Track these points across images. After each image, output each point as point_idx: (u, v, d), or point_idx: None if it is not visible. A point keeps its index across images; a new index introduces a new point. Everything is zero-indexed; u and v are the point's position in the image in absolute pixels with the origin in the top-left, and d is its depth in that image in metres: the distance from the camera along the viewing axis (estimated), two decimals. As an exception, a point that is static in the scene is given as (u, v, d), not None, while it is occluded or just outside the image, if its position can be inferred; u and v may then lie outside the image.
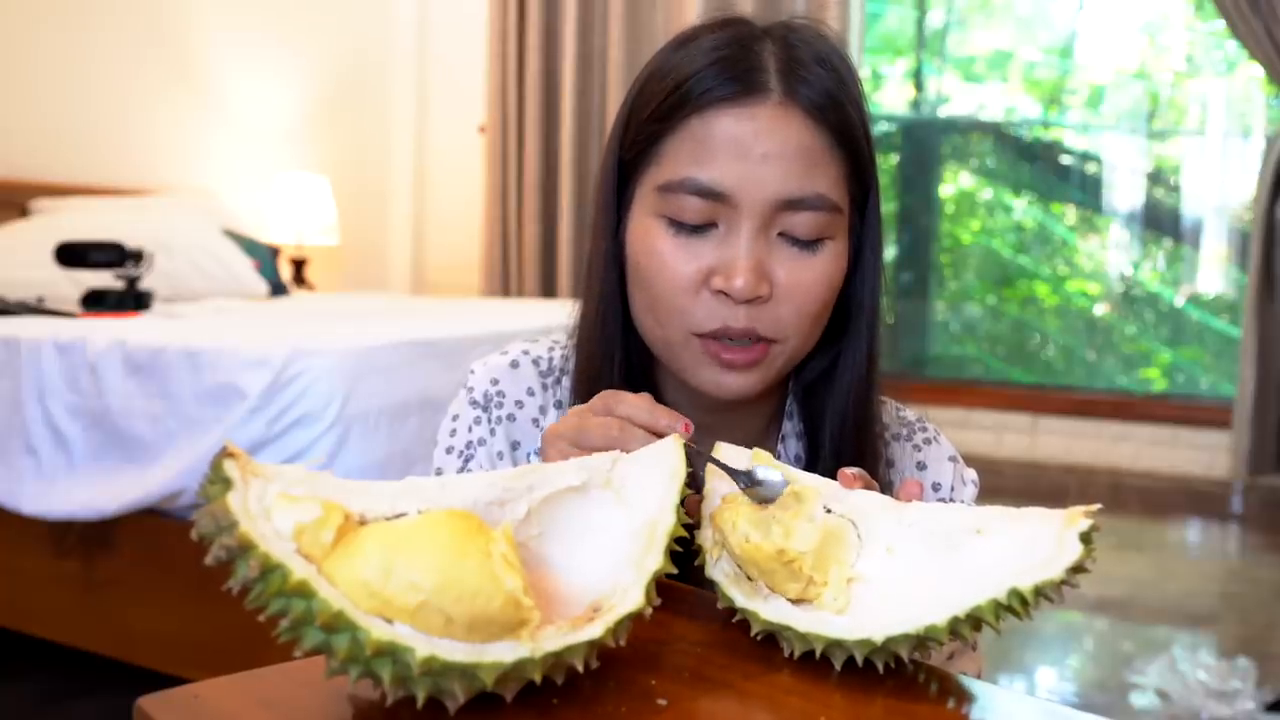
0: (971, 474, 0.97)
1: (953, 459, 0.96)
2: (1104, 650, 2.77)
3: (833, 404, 0.88)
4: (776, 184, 0.79)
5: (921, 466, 0.94)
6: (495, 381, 0.94)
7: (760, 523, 0.61)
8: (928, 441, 0.96)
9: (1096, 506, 0.56)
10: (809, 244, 0.81)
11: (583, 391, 0.88)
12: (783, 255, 0.81)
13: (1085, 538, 0.55)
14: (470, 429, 0.93)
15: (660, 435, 0.69)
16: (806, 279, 0.81)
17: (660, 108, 0.82)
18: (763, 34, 0.83)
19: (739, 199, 0.79)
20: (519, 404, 0.93)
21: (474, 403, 0.94)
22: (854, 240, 0.86)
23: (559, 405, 0.94)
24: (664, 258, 0.81)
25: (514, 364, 0.95)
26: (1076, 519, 0.56)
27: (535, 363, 0.95)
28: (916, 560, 0.60)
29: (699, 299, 0.80)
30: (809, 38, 0.83)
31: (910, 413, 0.98)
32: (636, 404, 0.72)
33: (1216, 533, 4.09)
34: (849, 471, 0.67)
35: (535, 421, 0.93)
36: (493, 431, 0.92)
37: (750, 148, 0.79)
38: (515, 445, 0.93)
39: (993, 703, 0.56)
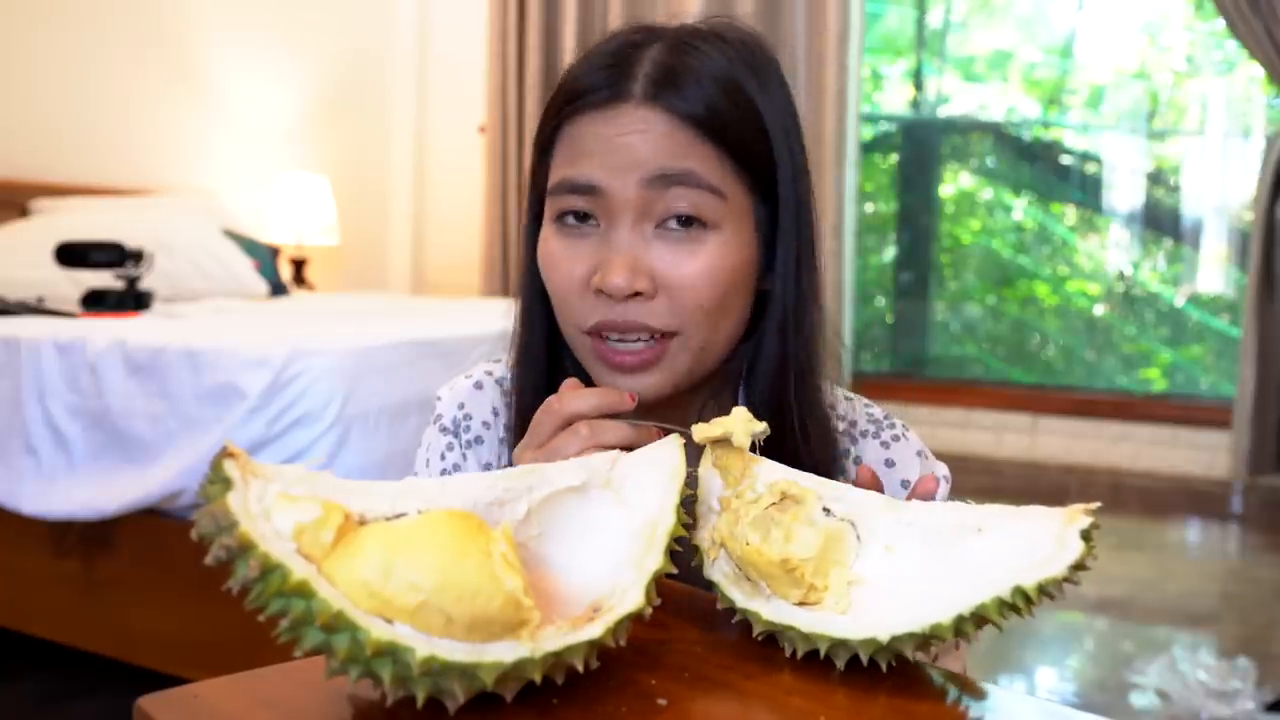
0: (943, 469, 0.96)
1: (920, 454, 0.96)
2: (1104, 650, 2.77)
3: (754, 394, 0.88)
4: (641, 166, 0.79)
5: (890, 464, 0.94)
6: (462, 406, 0.95)
7: (759, 524, 0.61)
8: (895, 438, 0.96)
9: (1096, 505, 0.57)
10: (689, 235, 0.81)
11: (523, 404, 0.90)
12: (662, 249, 0.81)
13: (1086, 535, 0.55)
14: (443, 456, 0.95)
15: (619, 415, 0.74)
16: (687, 271, 0.80)
17: (549, 116, 0.85)
18: (654, 40, 0.84)
19: (609, 190, 0.80)
20: (485, 425, 0.95)
21: (444, 429, 0.95)
22: (764, 236, 0.85)
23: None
24: (556, 260, 0.83)
25: (478, 385, 0.96)
26: (1077, 516, 0.56)
27: (499, 383, 0.97)
28: (917, 559, 0.60)
29: (585, 298, 0.82)
30: (707, 42, 0.83)
31: (879, 410, 0.98)
32: (579, 399, 0.74)
33: (1216, 533, 4.09)
34: (867, 470, 0.68)
35: (502, 440, 0.94)
36: (464, 457, 0.94)
37: (613, 141, 0.80)
38: (487, 467, 0.94)
39: (993, 703, 0.56)
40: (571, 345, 0.86)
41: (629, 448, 0.72)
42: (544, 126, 0.86)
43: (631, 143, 0.80)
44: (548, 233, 0.85)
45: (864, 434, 0.95)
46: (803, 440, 0.86)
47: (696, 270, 0.80)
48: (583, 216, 0.82)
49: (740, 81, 0.82)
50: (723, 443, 0.68)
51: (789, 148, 0.85)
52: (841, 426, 0.94)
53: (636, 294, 0.80)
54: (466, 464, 0.93)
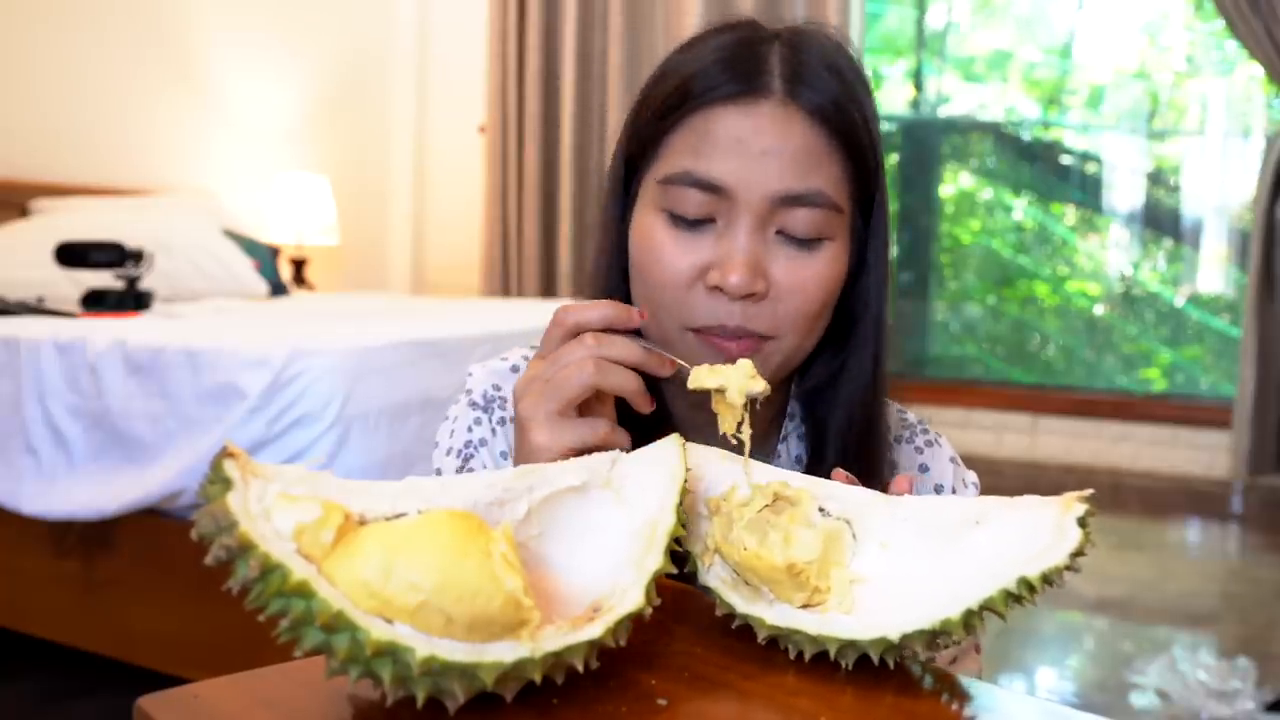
0: (972, 476, 0.96)
1: (953, 461, 0.96)
2: (1104, 650, 2.77)
3: (838, 411, 0.87)
4: (775, 180, 0.79)
5: (924, 469, 0.94)
6: (497, 387, 0.93)
7: (755, 527, 0.61)
8: (929, 444, 0.96)
9: (1089, 491, 0.57)
10: (807, 243, 0.81)
11: None
12: (780, 254, 0.80)
13: (1082, 522, 0.55)
14: (470, 429, 0.92)
15: (636, 368, 0.72)
16: (803, 278, 0.80)
17: (665, 105, 0.82)
18: (771, 37, 0.83)
19: (737, 193, 0.79)
20: None
21: (474, 404, 0.93)
22: (856, 244, 0.86)
23: None
24: (661, 251, 0.81)
25: (514, 369, 0.95)
26: (1072, 504, 0.56)
27: None
28: (915, 554, 0.60)
29: (694, 294, 0.80)
30: (818, 42, 0.83)
31: (912, 415, 0.97)
32: (587, 310, 0.73)
33: (1216, 533, 4.09)
34: (841, 474, 0.67)
35: None
36: (494, 432, 0.92)
37: (750, 143, 0.79)
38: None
39: (993, 703, 0.56)
40: (660, 337, 0.83)
41: (635, 368, 0.73)
42: (661, 110, 0.83)
43: (766, 148, 0.79)
44: (653, 221, 0.82)
45: (898, 439, 0.95)
46: (883, 454, 0.88)
47: (810, 278, 0.80)
48: (699, 220, 0.81)
49: (854, 82, 0.83)
50: (718, 394, 0.70)
51: (880, 160, 0.85)
52: None
53: (750, 295, 0.79)
54: (494, 440, 0.91)
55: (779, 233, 0.80)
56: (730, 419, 0.70)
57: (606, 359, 0.72)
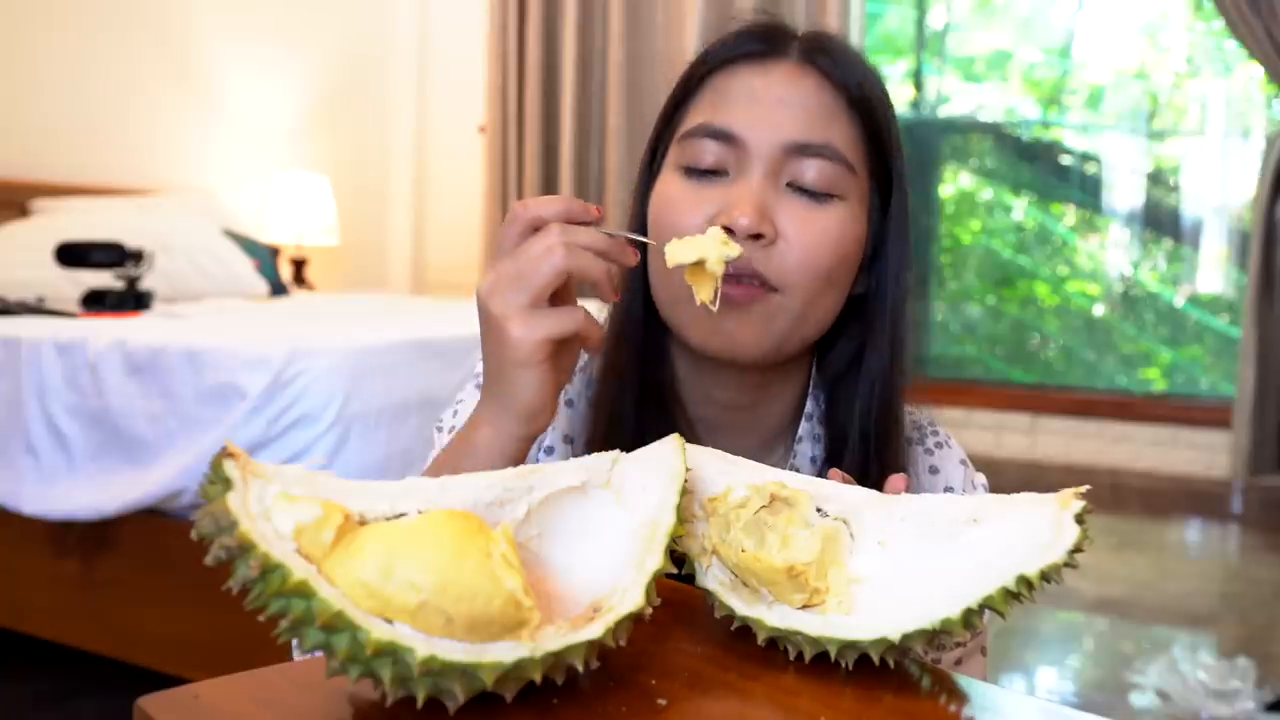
0: (981, 478, 0.96)
1: (963, 462, 0.95)
2: (1104, 650, 2.77)
3: (858, 401, 0.87)
4: (786, 129, 0.80)
5: (934, 470, 0.94)
6: None
7: (752, 529, 0.61)
8: (939, 445, 0.95)
9: (1086, 488, 0.57)
10: (817, 196, 0.81)
11: (605, 368, 0.89)
12: (790, 203, 0.81)
13: (1080, 519, 0.55)
14: None
15: (605, 255, 0.70)
16: (812, 229, 0.80)
17: (689, 76, 0.86)
18: (794, 31, 0.87)
19: (749, 141, 0.81)
20: None
21: (480, 386, 0.93)
22: (872, 225, 0.86)
23: (569, 403, 0.93)
24: (675, 202, 0.83)
25: None
26: (1069, 501, 0.56)
27: None
28: (913, 553, 0.60)
29: None
30: (838, 41, 0.87)
31: (922, 416, 0.97)
32: (545, 204, 0.70)
33: (1216, 533, 4.09)
34: (837, 474, 0.67)
35: None
36: None
37: (763, 95, 0.81)
38: None
39: (993, 703, 0.56)
40: (671, 294, 0.83)
41: (601, 254, 0.70)
42: (687, 79, 0.86)
43: (780, 98, 0.81)
44: (669, 177, 0.84)
45: (908, 440, 0.94)
46: (903, 455, 0.87)
47: (819, 230, 0.81)
48: (711, 170, 0.82)
49: (875, 75, 0.85)
50: (696, 266, 0.71)
51: (899, 148, 0.87)
52: None
53: (759, 237, 0.79)
54: None
55: (790, 185, 0.81)
56: (708, 287, 0.72)
57: (573, 246, 0.69)
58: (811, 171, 0.81)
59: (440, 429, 0.94)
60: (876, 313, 0.87)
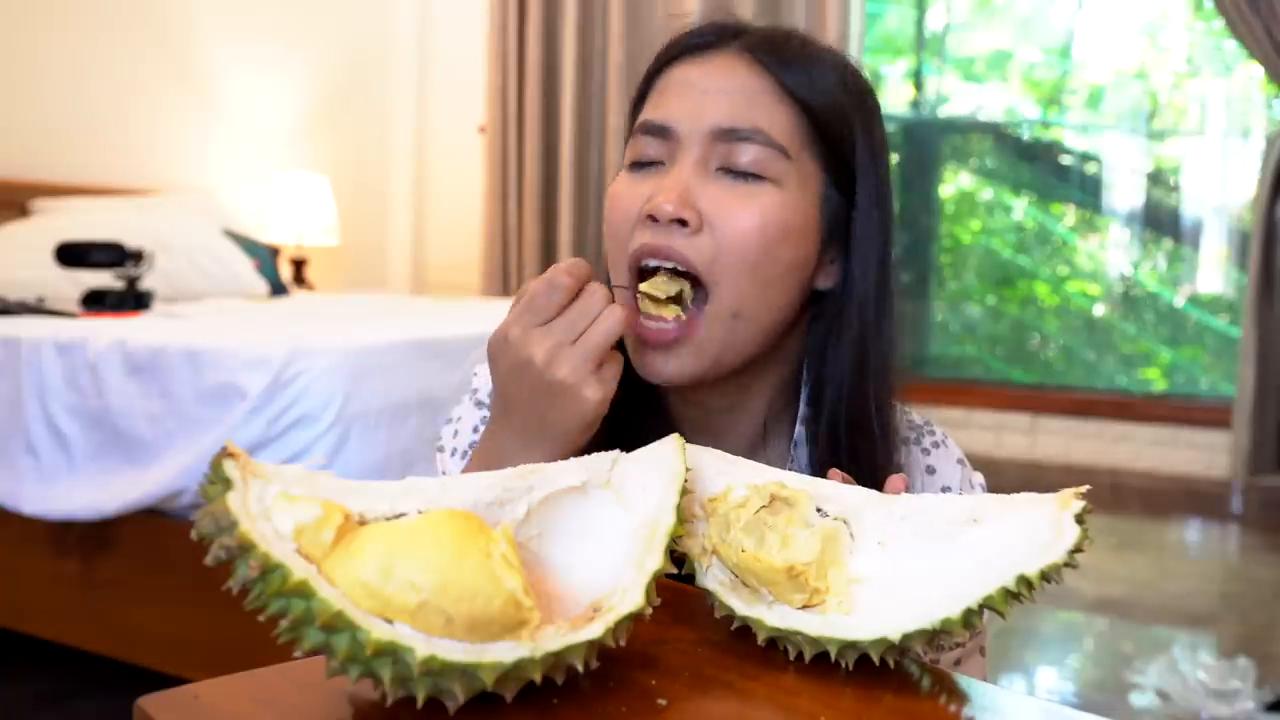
0: (979, 478, 0.95)
1: (960, 462, 0.95)
2: (1104, 650, 2.77)
3: (825, 404, 0.86)
4: (712, 114, 0.81)
5: (930, 470, 0.93)
6: None
7: (752, 529, 0.61)
8: (936, 445, 0.94)
9: (1086, 487, 0.57)
10: (745, 178, 0.80)
11: None
12: (717, 189, 0.81)
13: (1080, 519, 0.55)
14: (476, 429, 0.92)
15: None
16: (737, 214, 0.79)
17: (645, 76, 0.88)
18: (745, 28, 0.86)
19: (679, 131, 0.81)
20: None
21: (479, 403, 0.93)
22: (827, 220, 0.84)
23: None
24: (617, 198, 0.84)
25: None
26: (1069, 501, 0.56)
27: None
28: (913, 552, 0.60)
29: (637, 229, 0.82)
30: (796, 35, 0.86)
31: (917, 416, 0.96)
32: (601, 286, 0.75)
33: (1216, 533, 4.09)
34: (837, 474, 0.67)
35: None
36: None
37: (697, 84, 0.82)
38: None
39: (993, 703, 0.56)
40: (614, 280, 0.85)
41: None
42: (644, 80, 0.88)
43: (711, 85, 0.81)
44: (620, 175, 0.86)
45: (904, 440, 0.93)
46: (883, 456, 0.85)
47: (746, 215, 0.79)
48: (652, 162, 0.83)
49: (836, 67, 0.85)
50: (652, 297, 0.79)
51: (871, 146, 0.85)
52: None
53: (683, 223, 0.79)
54: None
55: (721, 169, 0.81)
56: (668, 309, 0.79)
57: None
58: (742, 156, 0.80)
59: (442, 449, 0.94)
60: (840, 310, 0.85)
